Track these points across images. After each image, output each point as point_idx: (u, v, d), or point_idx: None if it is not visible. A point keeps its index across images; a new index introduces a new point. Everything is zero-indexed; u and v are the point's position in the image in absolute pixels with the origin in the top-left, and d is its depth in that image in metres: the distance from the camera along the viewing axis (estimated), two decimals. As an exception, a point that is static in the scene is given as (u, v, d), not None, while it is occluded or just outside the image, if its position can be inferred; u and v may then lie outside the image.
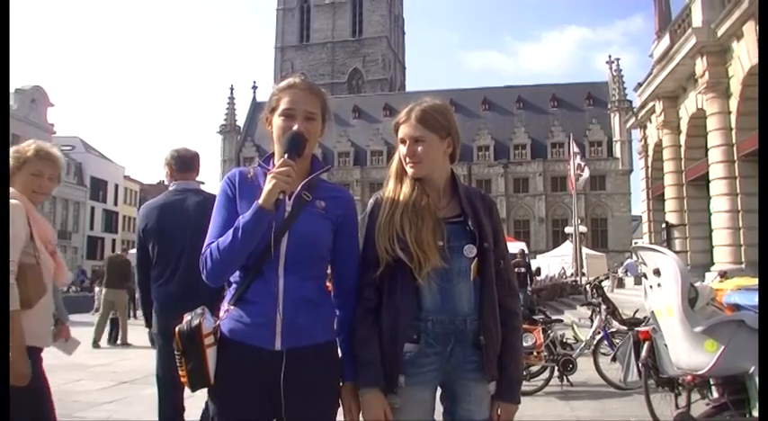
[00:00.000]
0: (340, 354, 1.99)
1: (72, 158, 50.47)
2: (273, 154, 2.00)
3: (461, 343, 1.97)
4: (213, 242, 1.87)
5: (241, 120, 69.92)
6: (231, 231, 1.82)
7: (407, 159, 2.04)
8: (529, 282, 17.16)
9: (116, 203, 58.39)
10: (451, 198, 2.09)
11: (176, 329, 1.86)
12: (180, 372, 1.87)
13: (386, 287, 1.98)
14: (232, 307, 1.91)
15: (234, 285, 1.94)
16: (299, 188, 1.93)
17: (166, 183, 3.93)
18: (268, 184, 1.82)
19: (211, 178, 55.90)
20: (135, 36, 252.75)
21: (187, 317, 1.88)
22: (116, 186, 56.88)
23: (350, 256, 2.03)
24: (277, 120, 1.98)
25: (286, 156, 1.87)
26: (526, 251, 22.20)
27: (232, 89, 71.10)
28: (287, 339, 1.86)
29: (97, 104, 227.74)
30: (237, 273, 1.92)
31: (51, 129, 46.74)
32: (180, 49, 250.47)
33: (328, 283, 2.07)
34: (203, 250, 1.89)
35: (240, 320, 1.89)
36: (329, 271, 2.06)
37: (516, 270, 15.63)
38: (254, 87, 74.46)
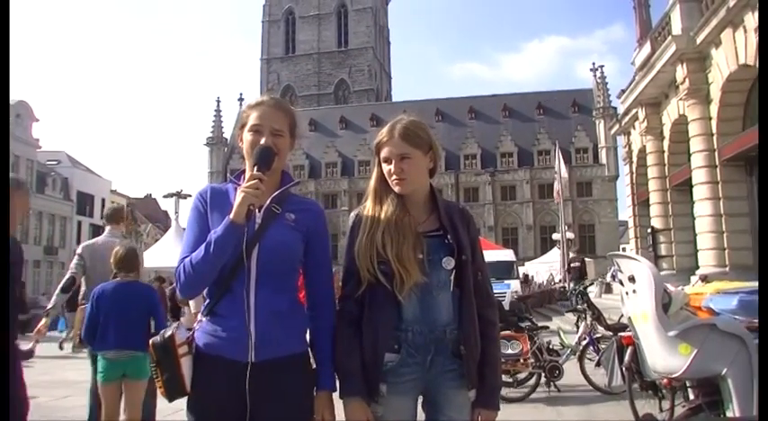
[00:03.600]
0: (313, 365, 2.02)
1: (58, 173, 50.09)
2: (245, 170, 2.03)
3: (441, 352, 2.01)
4: (187, 256, 1.91)
5: (228, 133, 69.60)
6: (204, 246, 1.86)
7: (394, 177, 2.05)
8: (581, 276, 18.55)
9: (103, 218, 57.89)
10: (431, 212, 2.12)
11: (150, 341, 1.92)
12: (157, 383, 1.92)
13: (367, 300, 2.01)
14: (205, 319, 1.95)
15: (207, 299, 1.98)
16: (268, 201, 1.97)
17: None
18: (237, 199, 1.86)
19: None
20: (121, 49, 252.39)
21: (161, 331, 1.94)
22: (103, 200, 56.20)
23: (321, 268, 2.07)
24: (246, 136, 2.02)
25: (255, 169, 1.92)
26: (513, 259, 22.40)
27: (219, 101, 70.86)
28: (260, 351, 1.89)
29: (83, 118, 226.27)
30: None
31: (37, 145, 46.41)
32: (166, 61, 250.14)
33: (301, 295, 2.10)
34: (177, 264, 1.92)
35: (214, 334, 1.93)
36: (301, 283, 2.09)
37: (573, 265, 19.95)
38: (241, 99, 73.92)
